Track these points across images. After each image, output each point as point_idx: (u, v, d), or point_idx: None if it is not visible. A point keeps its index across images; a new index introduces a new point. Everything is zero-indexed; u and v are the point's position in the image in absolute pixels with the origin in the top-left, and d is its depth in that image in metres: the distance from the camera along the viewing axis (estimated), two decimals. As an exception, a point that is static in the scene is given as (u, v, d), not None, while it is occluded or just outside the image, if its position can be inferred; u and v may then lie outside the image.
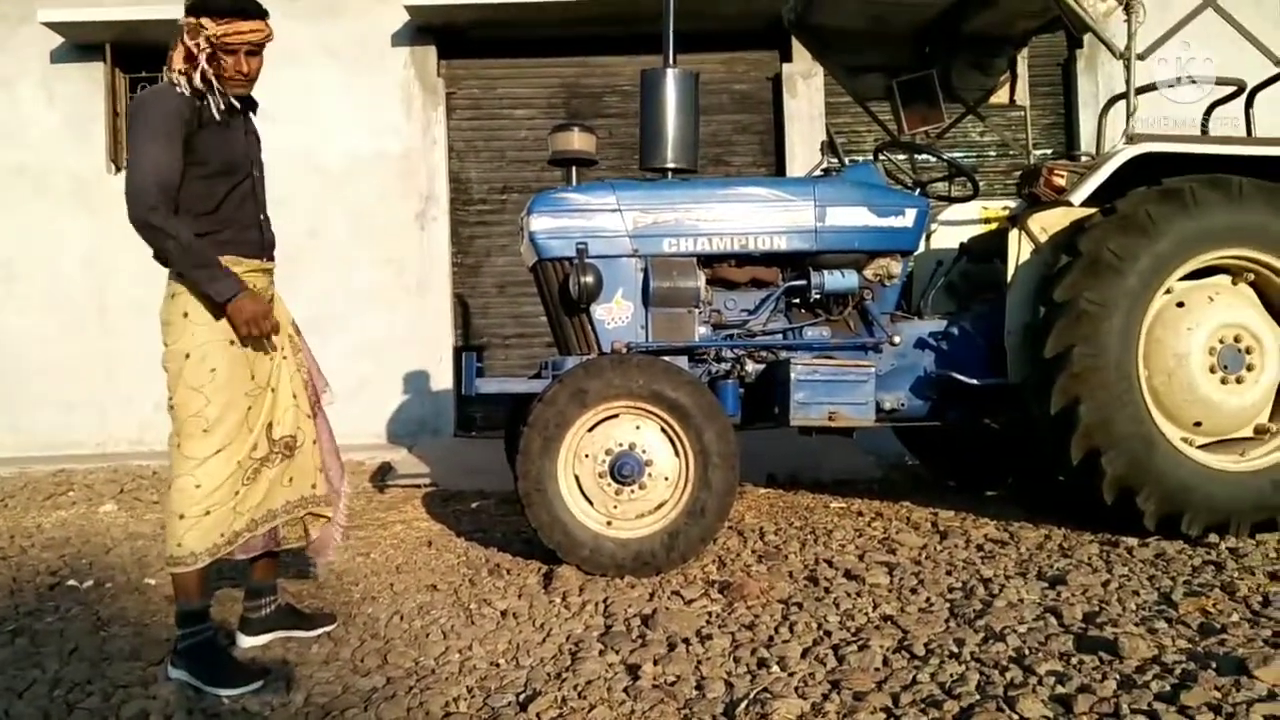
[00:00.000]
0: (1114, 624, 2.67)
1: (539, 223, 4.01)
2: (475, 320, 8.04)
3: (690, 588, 3.27)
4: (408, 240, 7.93)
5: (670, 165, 4.11)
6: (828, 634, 2.75)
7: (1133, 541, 3.59)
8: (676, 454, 3.53)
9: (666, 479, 3.53)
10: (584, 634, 2.86)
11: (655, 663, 2.57)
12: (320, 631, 2.93)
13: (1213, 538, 3.56)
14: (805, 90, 7.91)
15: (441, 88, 8.04)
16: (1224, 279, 3.83)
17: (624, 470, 3.47)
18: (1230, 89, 4.39)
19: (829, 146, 4.51)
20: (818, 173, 4.49)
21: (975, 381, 4.00)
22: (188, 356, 2.57)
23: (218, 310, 2.57)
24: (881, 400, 4.02)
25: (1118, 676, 2.30)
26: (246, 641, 2.85)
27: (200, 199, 2.58)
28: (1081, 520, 3.88)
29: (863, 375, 3.90)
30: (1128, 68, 3.86)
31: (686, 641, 2.72)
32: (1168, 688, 2.20)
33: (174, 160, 2.51)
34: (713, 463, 3.47)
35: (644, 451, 3.51)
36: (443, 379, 7.81)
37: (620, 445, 3.50)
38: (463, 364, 3.92)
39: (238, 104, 2.66)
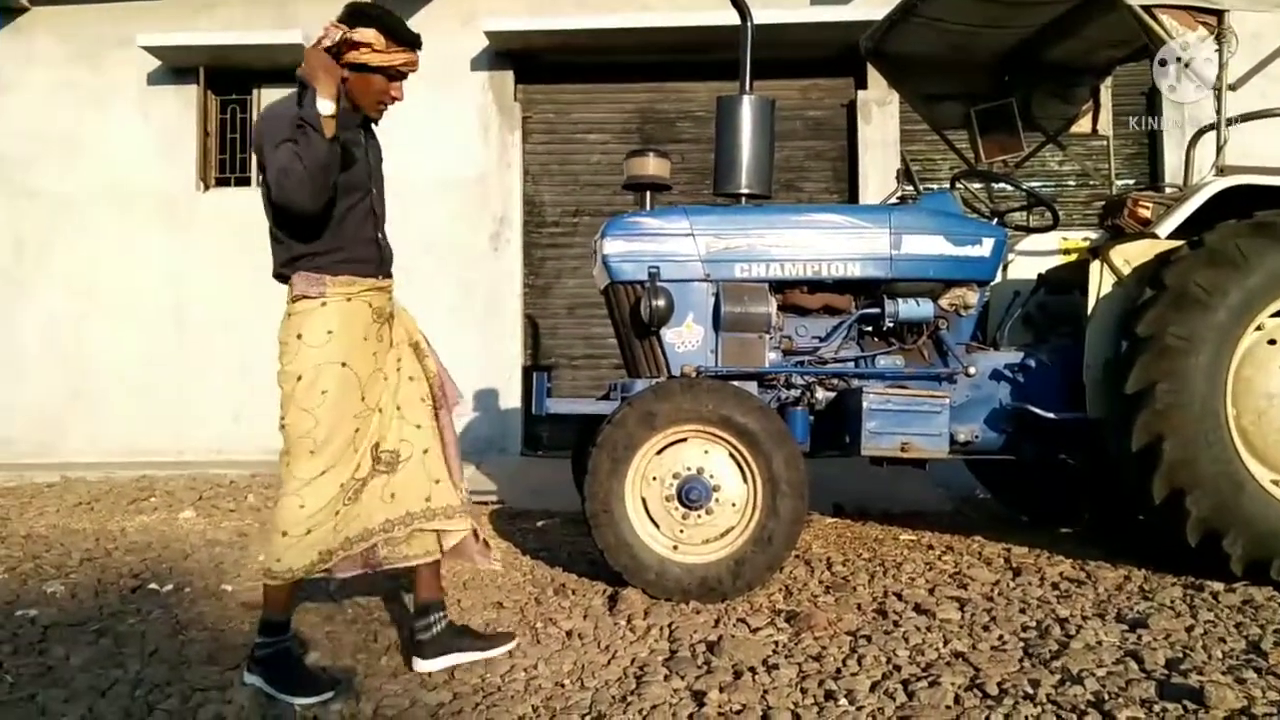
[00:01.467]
0: (1199, 671, 2.58)
1: (612, 246, 4.05)
2: (545, 341, 8.13)
3: (756, 616, 3.24)
4: (481, 261, 8.06)
5: (744, 191, 4.13)
6: (897, 668, 2.70)
7: (1218, 586, 3.45)
8: (744, 480, 3.51)
9: (734, 505, 3.51)
10: (649, 658, 2.85)
11: (721, 690, 2.55)
12: (498, 651, 2.83)
13: (1304, 586, 3.42)
14: (880, 117, 7.87)
15: (518, 112, 8.19)
16: (1318, 316, 3.69)
17: (691, 495, 3.46)
18: (1326, 121, 4.24)
19: (904, 174, 4.48)
20: (893, 200, 4.45)
21: (1052, 415, 3.91)
22: (300, 379, 2.58)
23: (332, 334, 2.58)
24: (956, 432, 3.95)
25: (1203, 726, 2.22)
26: (423, 665, 2.76)
27: (319, 217, 2.57)
28: (1162, 562, 3.76)
29: (937, 406, 3.84)
30: (1219, 99, 3.76)
31: (753, 670, 2.70)
32: (1257, 741, 2.11)
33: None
34: (781, 490, 3.44)
35: (712, 477, 3.50)
36: (511, 398, 7.90)
37: (688, 469, 3.50)
38: (533, 383, 3.96)
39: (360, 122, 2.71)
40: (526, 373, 7.94)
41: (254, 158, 2.75)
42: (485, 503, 6.00)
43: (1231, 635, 2.93)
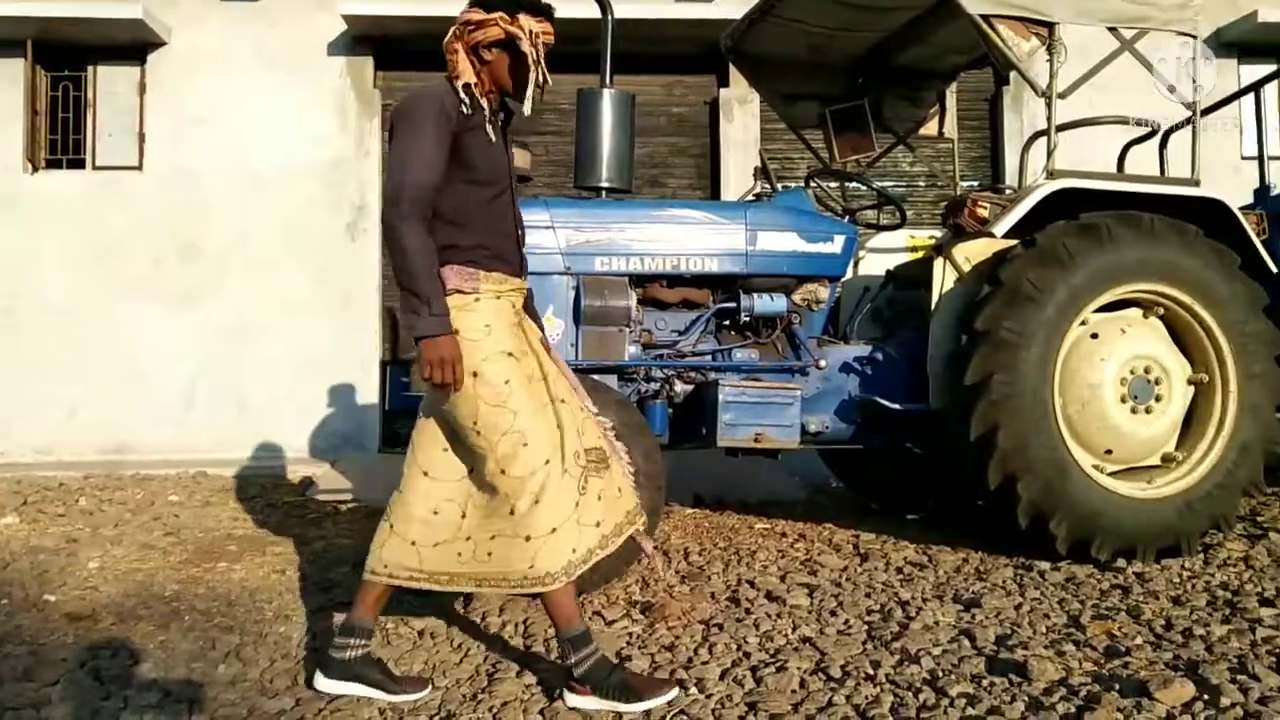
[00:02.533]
0: (1024, 646, 2.73)
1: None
2: (405, 334, 7.93)
3: (612, 608, 3.25)
4: (338, 251, 7.82)
5: (605, 184, 4.13)
6: (747, 655, 2.76)
7: (1045, 565, 3.67)
8: (602, 473, 3.50)
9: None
10: (503, 655, 2.82)
11: (573, 684, 2.54)
12: (406, 698, 2.47)
13: (1120, 562, 3.67)
14: (741, 116, 8.02)
15: (378, 99, 7.97)
16: (1136, 312, 3.95)
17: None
18: (1145, 130, 4.56)
19: (761, 172, 4.57)
20: (750, 197, 4.53)
21: (898, 406, 4.07)
22: (475, 375, 2.37)
23: (489, 328, 2.42)
24: (807, 423, 4.06)
25: (1026, 699, 2.35)
26: (324, 684, 2.50)
27: (463, 207, 2.43)
28: (998, 544, 3.96)
29: (789, 398, 3.94)
30: (1049, 105, 3.98)
31: (606, 662, 2.70)
32: (1073, 709, 2.25)
33: (437, 161, 2.36)
34: (639, 483, 3.44)
35: (569, 470, 3.48)
36: (369, 393, 7.68)
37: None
38: (388, 378, 3.86)
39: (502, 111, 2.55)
40: (384, 367, 7.73)
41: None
42: (342, 503, 5.82)
43: (1055, 611, 3.11)
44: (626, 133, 4.15)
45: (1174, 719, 2.21)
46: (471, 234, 2.45)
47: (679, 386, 4.10)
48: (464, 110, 2.41)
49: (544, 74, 2.46)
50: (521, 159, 4.05)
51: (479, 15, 2.43)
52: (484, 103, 2.46)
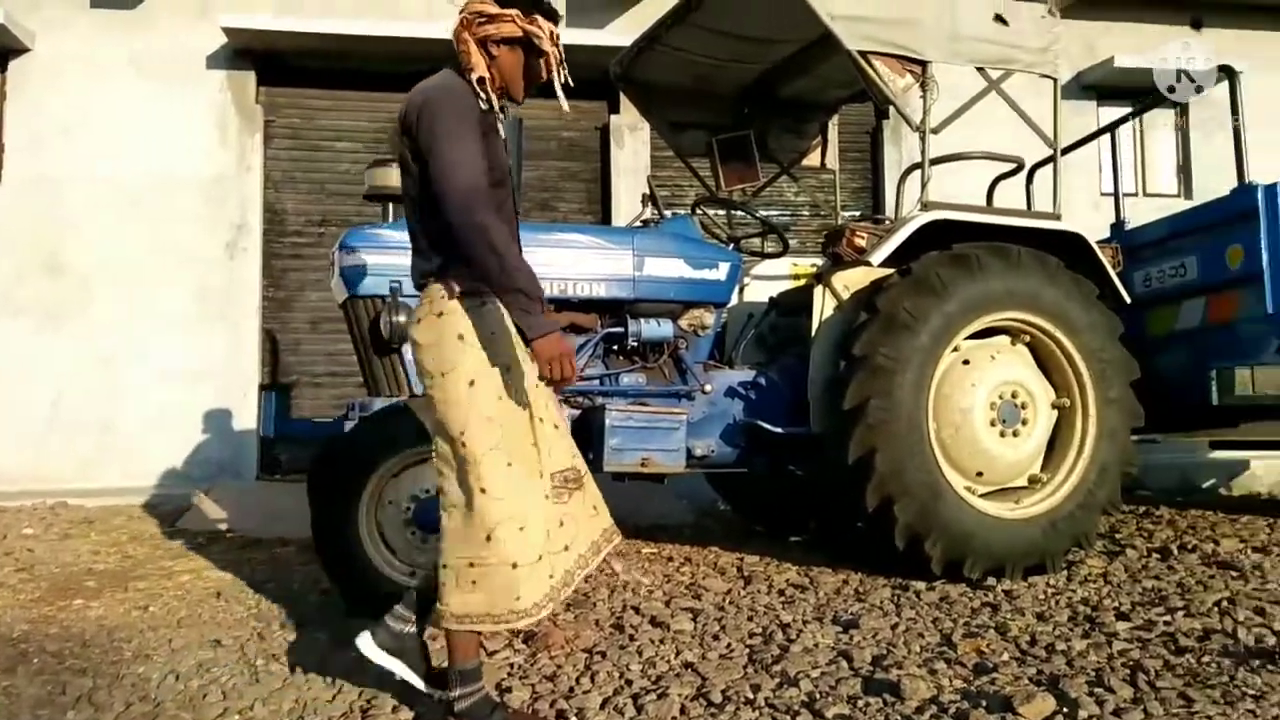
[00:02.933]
0: (899, 666, 2.79)
1: (351, 258, 3.89)
2: (285, 357, 7.67)
3: (493, 639, 3.18)
4: (216, 269, 7.52)
5: (490, 207, 4.09)
6: (629, 683, 2.74)
7: (921, 585, 3.77)
8: (486, 500, 3.45)
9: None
10: (379, 690, 2.73)
11: (452, 718, 2.47)
12: (432, 691, 2.48)
13: (991, 581, 3.81)
14: (631, 143, 8.08)
15: (260, 114, 7.73)
16: (1004, 339, 4.13)
17: (431, 518, 3.36)
18: (1011, 165, 4.78)
19: (649, 198, 4.61)
20: (638, 224, 4.57)
21: (780, 430, 4.14)
22: (472, 384, 2.27)
23: (495, 335, 2.33)
24: (693, 447, 4.09)
25: (899, 717, 2.40)
26: (366, 646, 2.50)
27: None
28: (876, 565, 4.06)
29: (675, 422, 3.97)
30: (923, 140, 4.14)
31: (485, 695, 2.64)
32: (942, 728, 2.31)
33: (481, 161, 2.26)
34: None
35: (451, 497, 3.41)
36: (247, 418, 7.37)
37: (428, 492, 3.40)
38: (263, 403, 3.73)
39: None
40: (264, 391, 7.46)
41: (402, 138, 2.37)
42: (215, 533, 5.57)
43: (929, 630, 3.20)
44: (514, 156, 4.12)
45: (1036, 733, 2.29)
46: None
47: (566, 411, 4.07)
48: (482, 107, 2.35)
49: (567, 76, 2.41)
50: (394, 178, 3.99)
51: (492, 9, 2.35)
52: (495, 99, 2.39)
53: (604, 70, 5.36)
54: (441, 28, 7.21)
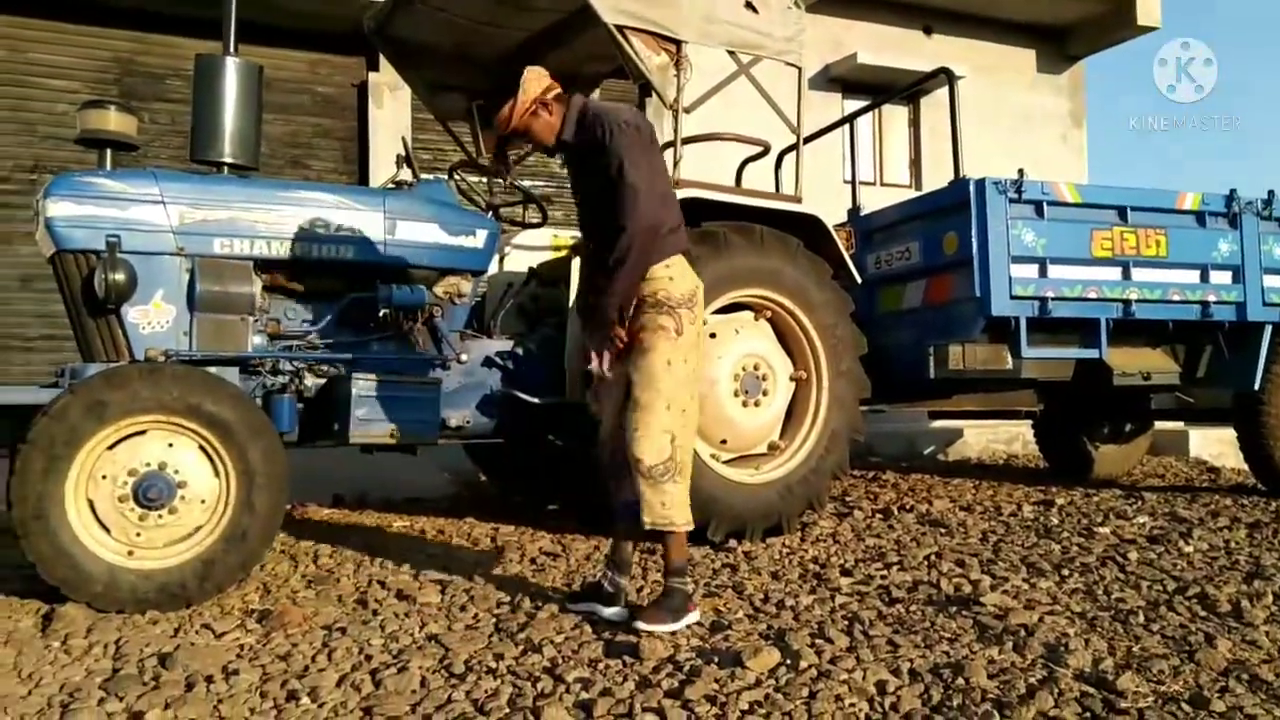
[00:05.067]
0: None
1: (59, 208, 3.49)
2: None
3: (225, 619, 2.99)
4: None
5: (227, 160, 3.82)
6: (369, 658, 2.66)
7: (668, 549, 3.90)
8: (216, 474, 3.21)
9: (203, 502, 3.20)
10: (84, 681, 2.49)
11: (166, 706, 2.30)
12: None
13: (732, 543, 4.01)
14: (391, 103, 7.79)
15: None
16: (748, 315, 4.34)
17: (150, 493, 3.09)
18: (759, 149, 5.01)
19: (405, 159, 4.44)
20: (390, 185, 4.40)
21: (537, 400, 4.14)
22: (705, 324, 3.00)
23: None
24: (447, 417, 4.01)
25: (636, 677, 2.47)
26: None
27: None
28: (627, 532, 4.15)
29: (427, 392, 3.87)
30: (675, 118, 4.24)
31: (209, 679, 2.48)
32: (676, 684, 2.40)
33: None
34: (257, 484, 3.21)
35: (177, 472, 3.15)
36: (-60, 387, 6.52)
37: (148, 465, 3.12)
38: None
39: None
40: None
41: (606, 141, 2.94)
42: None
43: (671, 592, 3.32)
44: (252, 106, 3.87)
45: (761, 684, 2.43)
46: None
47: (310, 380, 3.86)
48: None
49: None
50: (123, 123, 3.66)
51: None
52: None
53: (360, 25, 5.11)
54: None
